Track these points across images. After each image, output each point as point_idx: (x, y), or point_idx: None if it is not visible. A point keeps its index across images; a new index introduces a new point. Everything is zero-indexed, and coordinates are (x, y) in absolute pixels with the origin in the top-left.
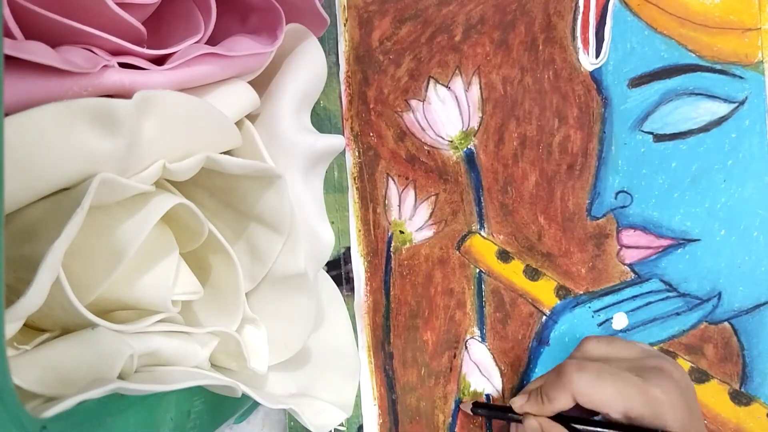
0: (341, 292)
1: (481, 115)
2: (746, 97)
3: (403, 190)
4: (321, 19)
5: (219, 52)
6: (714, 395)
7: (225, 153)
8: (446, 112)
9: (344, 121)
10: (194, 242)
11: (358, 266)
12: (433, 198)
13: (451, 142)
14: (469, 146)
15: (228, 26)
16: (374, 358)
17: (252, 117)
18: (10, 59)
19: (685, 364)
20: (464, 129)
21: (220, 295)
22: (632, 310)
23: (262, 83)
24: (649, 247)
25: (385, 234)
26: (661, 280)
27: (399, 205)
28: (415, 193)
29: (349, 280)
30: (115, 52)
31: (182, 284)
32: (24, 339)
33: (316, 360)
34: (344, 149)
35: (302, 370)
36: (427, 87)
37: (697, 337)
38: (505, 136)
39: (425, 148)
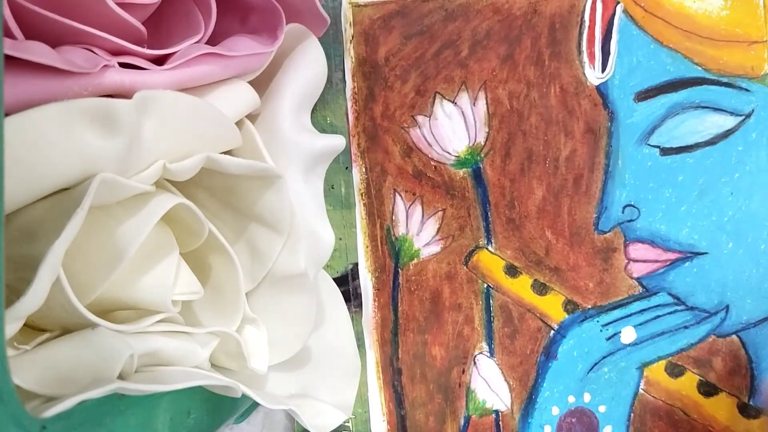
0: (349, 308)
1: (487, 130)
2: (753, 110)
3: (410, 205)
4: (321, 19)
5: (219, 52)
6: (723, 408)
7: (225, 153)
8: (453, 128)
9: (351, 137)
10: (194, 242)
11: (366, 282)
12: (440, 213)
13: (458, 157)
14: (475, 161)
15: (228, 26)
16: (383, 374)
17: (252, 117)
18: (10, 59)
19: (693, 377)
20: (471, 144)
21: (220, 295)
22: (640, 324)
23: (262, 83)
24: (656, 261)
25: (393, 250)
26: (669, 294)
27: (406, 221)
28: (422, 208)
29: (357, 296)
30: (115, 52)
31: (182, 284)
32: (24, 339)
33: (316, 360)
34: (351, 166)
35: (302, 370)
36: (434, 102)
37: (706, 350)
38: (512, 151)
39: (432, 163)
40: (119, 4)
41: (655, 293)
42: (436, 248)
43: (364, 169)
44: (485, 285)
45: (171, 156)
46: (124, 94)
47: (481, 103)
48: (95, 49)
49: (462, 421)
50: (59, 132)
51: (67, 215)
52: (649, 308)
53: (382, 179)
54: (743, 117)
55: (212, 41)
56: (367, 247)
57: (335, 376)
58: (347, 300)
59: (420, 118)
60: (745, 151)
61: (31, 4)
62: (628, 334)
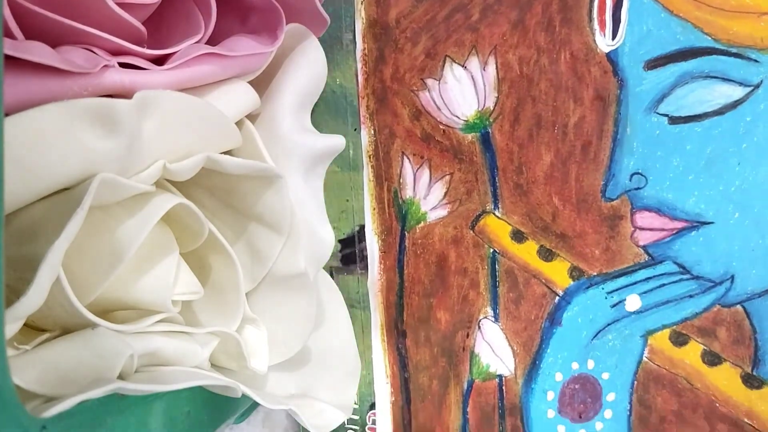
0: (355, 270)
1: (496, 95)
2: (761, 81)
3: (418, 169)
4: (321, 19)
5: (219, 52)
6: (726, 378)
7: (225, 153)
8: (462, 92)
9: (360, 98)
10: (194, 242)
11: (372, 244)
12: (447, 177)
13: (467, 121)
14: (484, 126)
15: (228, 26)
16: (387, 337)
17: (252, 117)
18: (10, 59)
19: (697, 346)
20: (480, 109)
21: (220, 295)
22: (645, 292)
23: (262, 83)
24: (663, 229)
25: (400, 213)
26: (675, 263)
27: (414, 184)
28: (430, 172)
29: (363, 259)
30: (115, 52)
31: (182, 284)
32: (24, 339)
33: (316, 360)
34: (359, 127)
35: (302, 370)
36: (444, 66)
37: (710, 319)
38: (521, 117)
39: (441, 127)
40: (119, 4)
41: (661, 262)
42: (442, 212)
43: (372, 131)
44: (491, 250)
45: (171, 156)
46: (124, 94)
47: (491, 68)
48: (95, 49)
49: (465, 385)
50: (59, 132)
51: (67, 215)
52: (654, 276)
53: (390, 142)
54: (752, 88)
55: (212, 41)
56: (374, 209)
57: (335, 376)
58: (353, 262)
59: (429, 82)
60: (753, 121)
61: (31, 4)
62: (633, 302)
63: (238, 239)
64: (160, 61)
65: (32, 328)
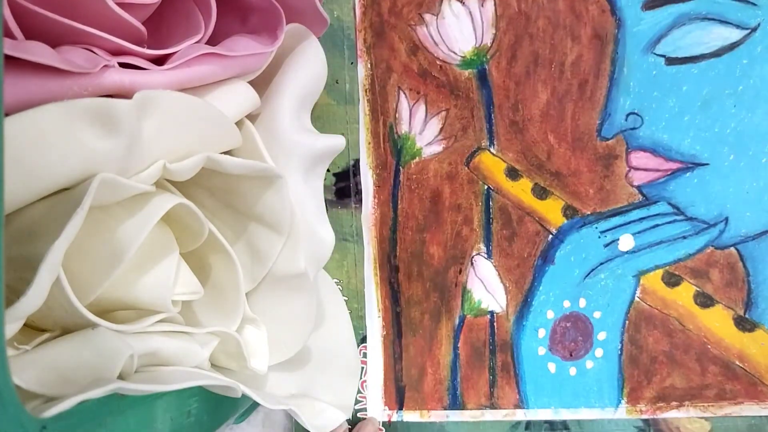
0: (349, 204)
1: (494, 31)
2: (759, 24)
3: (414, 104)
4: (321, 19)
5: (219, 52)
6: (719, 320)
7: (225, 153)
8: (460, 28)
9: (357, 32)
10: (194, 242)
11: (367, 178)
12: (443, 113)
13: (464, 57)
14: (481, 62)
15: (228, 26)
16: (380, 271)
17: (252, 117)
18: (10, 59)
19: (690, 287)
20: (477, 45)
21: (220, 295)
22: (639, 232)
23: (262, 83)
24: (657, 170)
25: (395, 147)
26: (669, 203)
27: (409, 119)
28: (426, 107)
29: (358, 192)
30: (116, 52)
31: (182, 284)
32: (24, 339)
33: (316, 360)
34: (356, 61)
35: (302, 370)
36: (442, 1)
37: (703, 261)
38: (518, 54)
39: (437, 62)
40: (119, 4)
41: (655, 202)
42: (438, 148)
43: (369, 65)
44: (486, 186)
45: (171, 156)
46: (124, 94)
47: (489, 4)
48: (95, 49)
49: (457, 321)
50: (59, 132)
51: (67, 215)
52: (648, 217)
53: (386, 76)
54: (749, 30)
55: (212, 41)
56: (369, 143)
57: (335, 376)
58: (347, 196)
59: (427, 17)
60: (750, 64)
61: (31, 4)
62: (626, 242)
63: (238, 239)
64: (160, 61)
65: (32, 328)
